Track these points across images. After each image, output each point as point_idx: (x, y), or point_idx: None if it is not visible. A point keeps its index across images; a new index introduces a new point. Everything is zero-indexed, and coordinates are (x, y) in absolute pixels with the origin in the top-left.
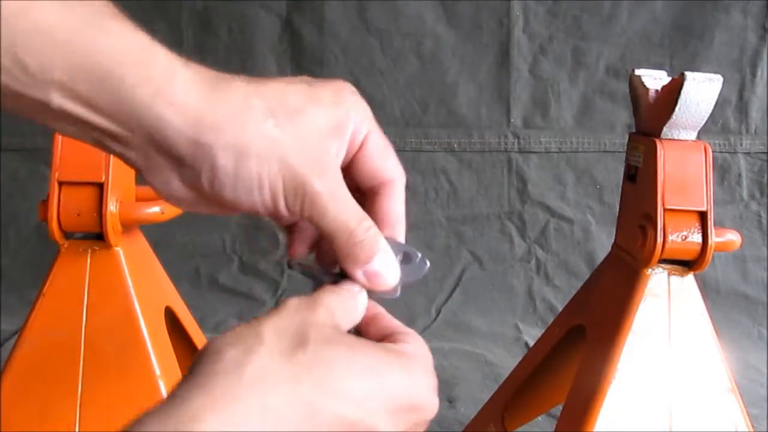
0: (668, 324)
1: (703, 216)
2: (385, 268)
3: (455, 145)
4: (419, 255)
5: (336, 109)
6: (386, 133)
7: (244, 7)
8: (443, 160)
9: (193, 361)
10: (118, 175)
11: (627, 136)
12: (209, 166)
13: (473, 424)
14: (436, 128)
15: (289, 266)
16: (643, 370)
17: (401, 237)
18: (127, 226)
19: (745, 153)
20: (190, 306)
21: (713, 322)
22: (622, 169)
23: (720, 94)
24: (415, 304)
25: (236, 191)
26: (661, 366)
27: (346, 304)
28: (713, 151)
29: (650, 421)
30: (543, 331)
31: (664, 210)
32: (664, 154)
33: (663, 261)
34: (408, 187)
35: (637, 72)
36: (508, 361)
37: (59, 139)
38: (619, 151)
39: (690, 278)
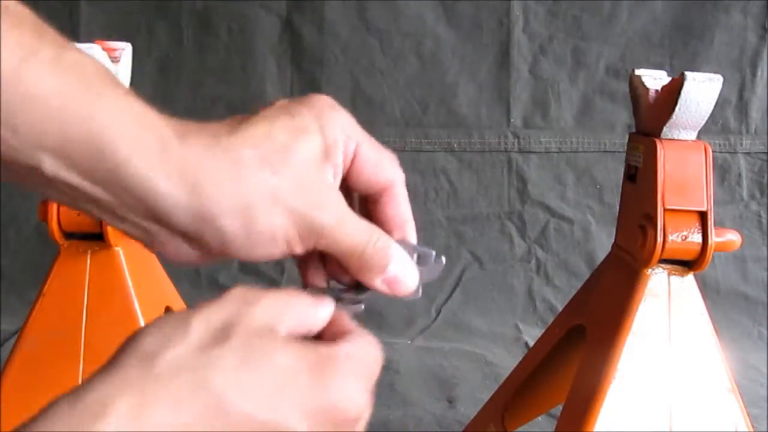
0: (668, 324)
1: (703, 216)
2: (402, 272)
3: (455, 145)
4: (433, 253)
5: (322, 134)
6: (386, 133)
7: (244, 7)
8: (443, 160)
9: (117, 348)
10: None
11: (627, 136)
12: (218, 234)
13: (473, 424)
14: (436, 128)
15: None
16: (643, 370)
17: (412, 237)
18: None
19: (745, 153)
20: (190, 306)
21: (713, 322)
22: (622, 169)
23: (720, 94)
24: (415, 304)
25: (250, 249)
26: (661, 366)
27: (299, 308)
28: (713, 151)
29: (650, 421)
30: (543, 331)
31: (664, 210)
32: (664, 154)
33: (663, 261)
34: (408, 187)
35: (637, 72)
36: (508, 361)
37: None
38: (619, 151)
39: (690, 278)
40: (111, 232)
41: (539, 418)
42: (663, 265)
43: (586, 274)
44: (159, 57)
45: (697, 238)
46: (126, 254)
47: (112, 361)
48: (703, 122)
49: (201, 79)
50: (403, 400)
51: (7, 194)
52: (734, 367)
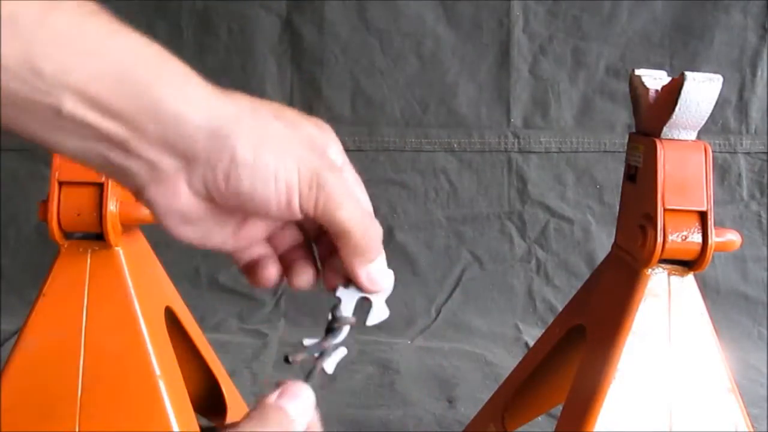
0: (668, 324)
1: (703, 216)
2: (384, 268)
3: (455, 145)
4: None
5: (320, 131)
6: (386, 133)
7: (244, 7)
8: (443, 160)
9: None
10: None
11: (627, 136)
12: (228, 157)
13: (473, 424)
14: (436, 128)
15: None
16: (643, 370)
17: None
18: (127, 226)
19: (745, 153)
20: (190, 306)
21: (713, 322)
22: (622, 169)
23: (720, 94)
24: (415, 304)
25: (254, 182)
26: (661, 366)
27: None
28: (713, 151)
29: (650, 421)
30: (543, 331)
31: (664, 210)
32: (664, 154)
33: (663, 261)
34: (408, 187)
35: (637, 72)
36: (508, 361)
37: None
38: (619, 151)
39: (690, 278)
40: (111, 232)
41: (539, 418)
42: (663, 265)
43: (586, 274)
44: None
45: (697, 238)
46: (126, 254)
47: None
48: (703, 122)
49: None
50: (403, 400)
51: (7, 194)
52: (734, 367)
